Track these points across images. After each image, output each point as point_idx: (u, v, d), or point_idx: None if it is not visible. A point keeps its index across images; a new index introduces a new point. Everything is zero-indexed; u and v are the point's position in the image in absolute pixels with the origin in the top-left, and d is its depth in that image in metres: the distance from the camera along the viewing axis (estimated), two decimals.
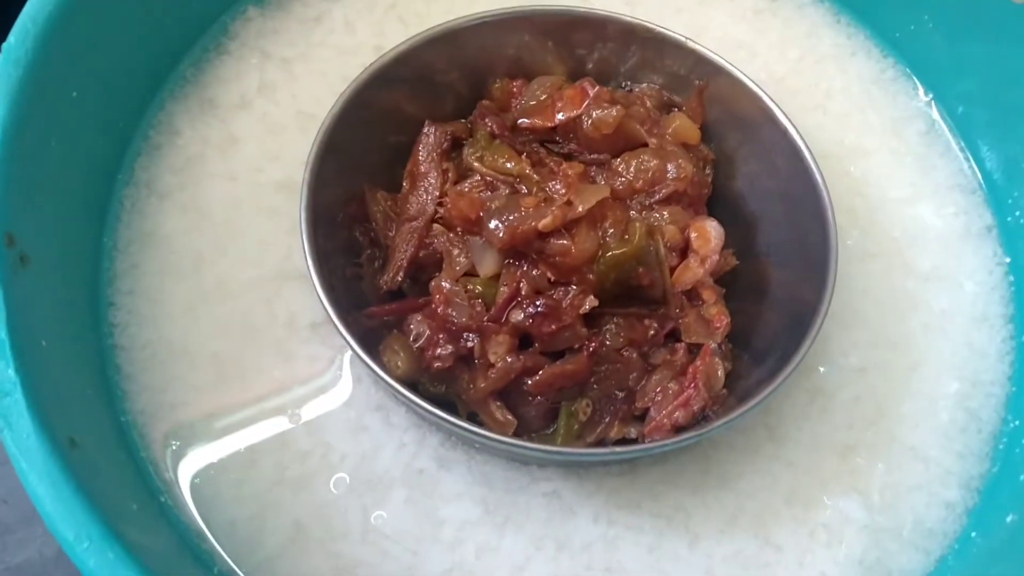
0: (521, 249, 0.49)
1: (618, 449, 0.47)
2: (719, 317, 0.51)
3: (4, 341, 0.38)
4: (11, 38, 0.45)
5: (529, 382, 0.48)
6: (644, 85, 0.58)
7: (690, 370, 0.50)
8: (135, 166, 0.54)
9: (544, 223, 0.48)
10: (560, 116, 0.54)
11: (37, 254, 0.43)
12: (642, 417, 0.50)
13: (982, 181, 0.59)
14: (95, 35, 0.49)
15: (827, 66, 0.62)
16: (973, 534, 0.49)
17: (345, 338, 0.47)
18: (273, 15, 0.60)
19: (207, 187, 0.54)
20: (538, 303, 0.48)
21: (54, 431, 0.37)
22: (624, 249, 0.49)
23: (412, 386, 0.49)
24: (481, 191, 0.52)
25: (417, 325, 0.50)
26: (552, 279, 0.49)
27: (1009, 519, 0.47)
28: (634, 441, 0.50)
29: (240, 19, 0.60)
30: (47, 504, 0.35)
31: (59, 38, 0.46)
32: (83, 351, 0.47)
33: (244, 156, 0.56)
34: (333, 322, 0.47)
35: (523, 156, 0.53)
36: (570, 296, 0.49)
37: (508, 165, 0.52)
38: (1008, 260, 0.57)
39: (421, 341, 0.50)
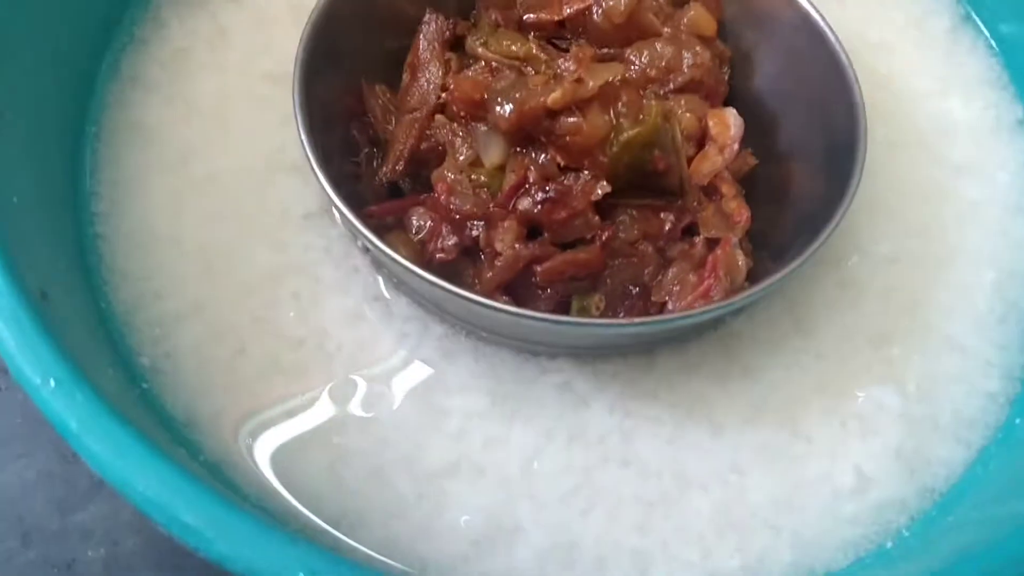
0: (529, 131, 0.46)
1: (634, 320, 0.44)
2: (739, 211, 0.49)
3: None
4: None
5: (539, 270, 0.45)
6: None
7: (709, 260, 0.47)
8: (120, 59, 0.52)
9: (553, 98, 0.45)
10: (567, 9, 0.51)
11: (12, 113, 0.40)
12: (659, 313, 0.47)
13: (1011, 76, 0.56)
14: None
15: None
16: (1017, 421, 0.46)
17: (349, 219, 0.44)
18: None
19: (195, 79, 0.52)
20: (548, 189, 0.45)
21: (23, 280, 0.34)
22: (638, 130, 0.46)
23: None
24: (486, 75, 0.49)
25: (419, 218, 0.48)
26: (562, 165, 0.46)
27: None
28: None
29: None
30: (10, 346, 0.32)
31: None
32: (62, 235, 0.45)
33: (235, 49, 0.53)
34: (335, 203, 0.44)
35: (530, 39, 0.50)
36: (581, 182, 0.46)
37: (514, 48, 0.49)
38: None
39: (423, 234, 0.47)
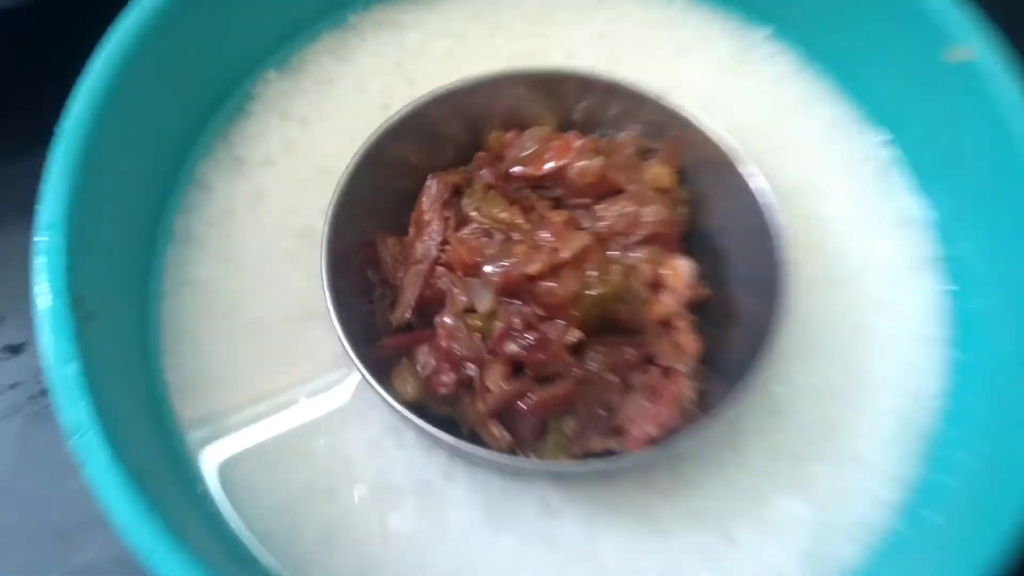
0: (513, 291, 0.56)
1: (597, 463, 0.54)
2: (689, 343, 0.57)
3: (82, 387, 0.46)
4: (65, 125, 0.53)
5: (524, 406, 0.55)
6: (624, 133, 0.64)
7: (664, 392, 0.56)
8: (174, 222, 0.62)
9: (533, 268, 0.55)
10: (548, 166, 0.60)
11: (98, 312, 0.50)
12: (624, 435, 0.56)
13: (931, 218, 0.64)
14: (137, 112, 0.57)
15: (792, 112, 0.67)
16: (906, 529, 0.55)
17: (360, 371, 0.54)
18: (291, 77, 0.67)
19: (238, 237, 0.62)
20: (530, 336, 0.53)
21: (126, 462, 0.45)
22: (604, 290, 0.55)
23: (420, 408, 0.55)
24: (479, 238, 0.59)
25: (424, 356, 0.57)
26: (541, 315, 0.56)
27: (938, 519, 0.54)
28: (615, 453, 0.55)
29: (261, 82, 0.67)
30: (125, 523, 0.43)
31: (108, 121, 0.54)
32: (141, 394, 0.55)
33: (270, 208, 0.63)
34: (350, 357, 0.54)
35: (515, 206, 0.59)
36: (557, 330, 0.54)
37: (502, 215, 0.59)
38: (951, 288, 0.62)
39: (427, 370, 0.55)
